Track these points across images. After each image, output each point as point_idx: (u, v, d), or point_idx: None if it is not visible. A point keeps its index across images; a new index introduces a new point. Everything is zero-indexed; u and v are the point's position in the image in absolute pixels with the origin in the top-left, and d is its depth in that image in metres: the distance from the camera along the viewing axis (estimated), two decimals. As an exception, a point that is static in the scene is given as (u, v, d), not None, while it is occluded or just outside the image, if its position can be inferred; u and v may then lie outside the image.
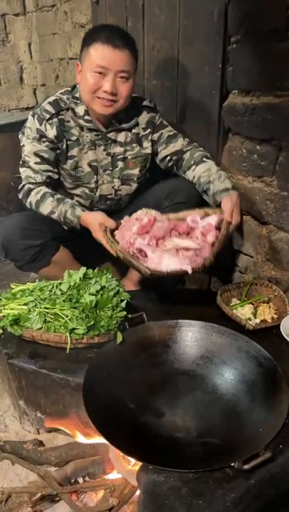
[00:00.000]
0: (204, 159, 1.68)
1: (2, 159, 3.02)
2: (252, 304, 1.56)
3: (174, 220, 1.56)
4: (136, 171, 1.77)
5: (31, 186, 1.67)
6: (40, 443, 1.37)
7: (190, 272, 1.30)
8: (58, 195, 1.66)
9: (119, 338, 1.32)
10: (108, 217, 1.54)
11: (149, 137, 1.75)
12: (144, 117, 1.74)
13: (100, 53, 1.47)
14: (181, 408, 1.15)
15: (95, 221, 1.52)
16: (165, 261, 1.32)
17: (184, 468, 0.95)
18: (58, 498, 1.21)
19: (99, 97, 1.53)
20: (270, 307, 1.53)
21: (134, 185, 1.80)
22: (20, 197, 1.72)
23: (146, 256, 1.38)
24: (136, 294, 1.63)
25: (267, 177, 1.60)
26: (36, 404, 1.39)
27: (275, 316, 1.49)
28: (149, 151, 1.77)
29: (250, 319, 1.47)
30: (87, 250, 1.66)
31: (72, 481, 1.25)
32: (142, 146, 1.75)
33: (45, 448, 1.33)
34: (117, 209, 1.81)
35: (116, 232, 1.50)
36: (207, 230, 1.46)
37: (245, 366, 1.23)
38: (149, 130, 1.75)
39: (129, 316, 1.38)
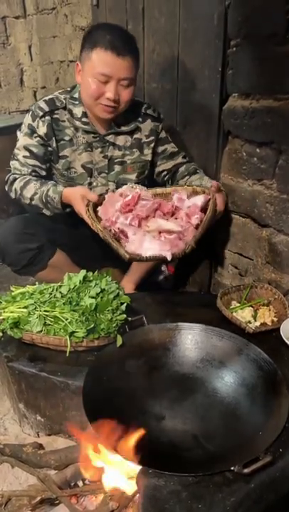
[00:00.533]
0: (197, 171, 1.76)
1: (2, 161, 3.01)
2: (252, 306, 1.56)
3: (159, 198, 1.55)
4: (133, 176, 1.77)
5: (16, 176, 1.68)
6: (40, 446, 1.36)
7: (169, 258, 1.28)
8: (43, 180, 1.66)
9: (119, 341, 1.32)
10: (89, 191, 1.53)
11: (151, 145, 1.76)
12: (147, 125, 1.73)
13: (103, 61, 1.46)
14: (181, 411, 1.15)
15: (77, 194, 1.50)
16: (146, 244, 1.30)
17: (184, 472, 0.95)
18: (57, 502, 1.20)
19: (101, 103, 1.53)
20: (270, 310, 1.53)
21: None
22: (6, 188, 1.73)
23: (127, 237, 1.37)
24: (136, 296, 1.63)
25: (267, 180, 1.60)
26: (36, 408, 1.38)
27: (275, 319, 1.49)
28: (149, 158, 1.77)
29: (250, 322, 1.47)
30: (84, 254, 1.66)
31: (72, 484, 1.24)
32: (142, 153, 1.76)
33: (44, 451, 1.33)
34: None
35: (99, 208, 1.48)
36: (192, 212, 1.44)
37: (245, 369, 1.23)
38: (152, 138, 1.75)
39: (129, 319, 1.38)
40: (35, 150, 1.66)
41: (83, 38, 1.55)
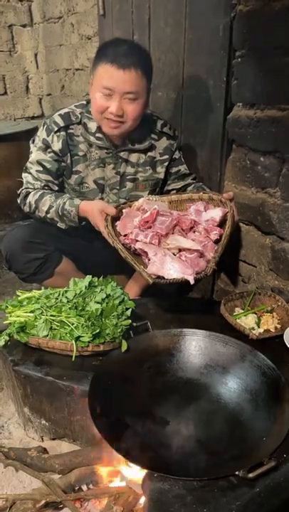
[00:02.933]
0: (204, 187, 1.78)
1: (7, 167, 3.05)
2: (255, 313, 1.57)
3: (174, 205, 1.56)
4: (144, 194, 1.75)
5: (30, 190, 1.67)
6: (45, 450, 1.37)
7: (192, 282, 1.28)
8: (57, 193, 1.64)
9: (124, 346, 1.34)
10: (107, 205, 1.50)
11: (165, 164, 1.74)
12: (162, 143, 1.72)
13: (106, 74, 1.44)
14: (186, 417, 1.16)
15: (94, 208, 1.48)
16: (167, 265, 1.29)
17: (189, 477, 0.96)
18: (61, 506, 1.21)
19: (107, 118, 1.51)
20: (273, 317, 1.54)
21: None
22: (18, 201, 1.72)
23: (148, 255, 1.37)
24: (140, 302, 1.64)
25: (270, 188, 1.62)
26: (41, 412, 1.39)
27: (279, 326, 1.50)
28: (161, 176, 1.76)
29: (253, 329, 1.48)
30: (90, 261, 1.67)
31: (76, 488, 1.25)
32: (155, 171, 1.74)
33: (49, 455, 1.34)
34: None
35: (117, 223, 1.47)
36: (211, 228, 1.44)
37: (249, 375, 1.24)
38: (167, 157, 1.74)
39: (134, 324, 1.39)
40: (48, 166, 1.64)
41: (96, 53, 1.55)
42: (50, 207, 1.58)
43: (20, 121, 3.88)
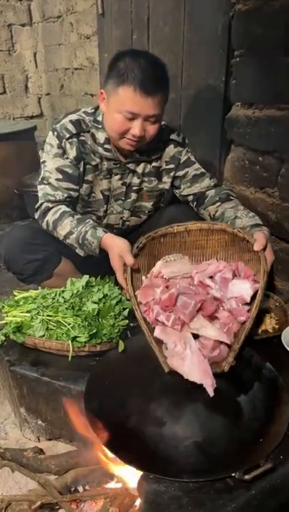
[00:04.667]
0: (230, 197, 1.60)
1: (6, 167, 3.05)
2: (253, 314, 1.56)
3: (193, 233, 1.40)
4: (149, 204, 1.70)
5: (49, 205, 1.55)
6: (41, 451, 1.36)
7: (211, 394, 1.08)
8: (78, 215, 1.53)
9: (121, 346, 1.33)
10: (130, 250, 1.34)
11: (172, 173, 1.65)
12: (169, 151, 1.63)
13: (131, 99, 1.36)
14: (182, 417, 1.15)
15: (116, 248, 1.37)
16: (187, 365, 1.12)
17: (185, 478, 0.95)
18: (57, 507, 1.20)
19: (126, 138, 1.45)
20: (271, 317, 1.54)
21: (144, 217, 1.74)
22: (36, 217, 1.60)
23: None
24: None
25: (269, 188, 1.62)
26: (37, 412, 1.39)
27: (277, 327, 1.49)
28: (167, 186, 1.67)
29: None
30: (89, 262, 1.65)
31: (72, 489, 1.24)
32: (160, 181, 1.66)
33: (45, 456, 1.33)
34: (120, 234, 1.66)
35: (137, 293, 1.31)
36: (237, 311, 1.22)
37: (247, 376, 1.23)
38: (173, 166, 1.64)
39: (131, 324, 1.38)
40: (69, 171, 1.54)
41: (109, 66, 1.43)
42: (71, 233, 1.48)
43: (19, 120, 3.88)
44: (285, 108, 1.47)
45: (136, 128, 1.40)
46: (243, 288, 1.25)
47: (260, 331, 1.48)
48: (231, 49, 1.68)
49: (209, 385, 1.07)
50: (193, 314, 1.21)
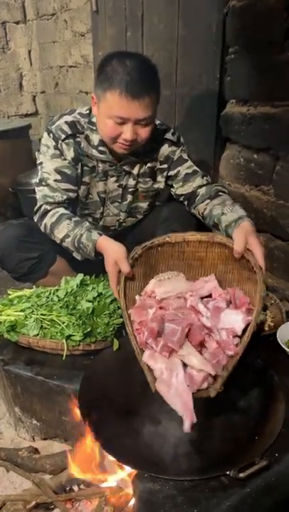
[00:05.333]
0: (219, 193, 1.55)
1: (1, 165, 3.03)
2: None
3: (192, 244, 1.34)
4: (145, 205, 1.69)
5: (48, 207, 1.52)
6: (36, 450, 1.36)
7: (187, 429, 1.05)
8: (76, 218, 1.50)
9: (116, 345, 1.32)
10: (126, 256, 1.29)
11: (165, 173, 1.63)
12: (163, 151, 1.61)
13: (118, 104, 1.33)
14: (177, 416, 1.15)
15: (111, 254, 1.31)
16: (172, 394, 1.10)
17: (180, 477, 0.94)
18: (52, 506, 1.20)
19: (118, 142, 1.42)
20: (266, 315, 1.54)
21: (140, 217, 1.73)
22: (35, 220, 1.58)
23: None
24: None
25: (264, 186, 1.62)
26: (32, 412, 1.38)
27: (272, 324, 1.49)
28: (162, 186, 1.66)
29: (246, 327, 1.47)
30: (84, 261, 1.64)
31: (68, 488, 1.24)
32: (155, 181, 1.65)
33: (40, 455, 1.33)
34: (117, 235, 1.63)
35: (130, 311, 1.26)
36: (226, 344, 1.18)
37: (242, 374, 1.23)
38: (166, 165, 1.62)
39: (126, 323, 1.38)
40: (68, 171, 1.52)
41: (97, 70, 1.40)
42: (67, 236, 1.46)
43: (13, 118, 3.86)
44: (279, 105, 1.46)
45: (127, 133, 1.37)
46: (236, 320, 1.21)
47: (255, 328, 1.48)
48: (226, 46, 1.67)
49: (188, 419, 1.04)
50: (182, 341, 1.17)
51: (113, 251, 1.31)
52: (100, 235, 1.40)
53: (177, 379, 1.11)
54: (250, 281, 1.28)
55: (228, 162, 1.80)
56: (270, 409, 1.11)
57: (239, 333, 1.19)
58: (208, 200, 1.54)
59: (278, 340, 1.35)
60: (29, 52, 3.79)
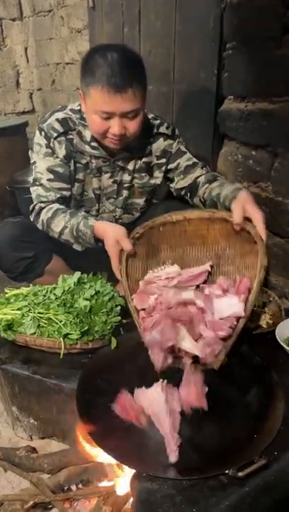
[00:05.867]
0: (217, 178, 1.56)
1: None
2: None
3: (193, 222, 1.35)
4: (141, 201, 1.67)
5: (42, 205, 1.53)
6: (33, 450, 1.35)
7: (172, 458, 0.98)
8: (71, 210, 1.52)
9: (114, 343, 1.32)
10: (127, 235, 1.30)
11: (163, 167, 1.62)
12: (159, 145, 1.59)
13: (101, 98, 1.31)
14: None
15: (111, 233, 1.32)
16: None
17: (178, 476, 0.94)
18: (50, 506, 1.19)
19: (108, 137, 1.41)
20: (265, 313, 1.53)
21: (137, 215, 1.70)
22: (32, 219, 1.58)
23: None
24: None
25: (262, 182, 1.61)
26: (29, 411, 1.37)
27: (270, 322, 1.49)
28: (159, 181, 1.64)
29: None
30: (80, 259, 1.63)
31: (66, 488, 1.23)
32: (151, 176, 1.63)
33: (38, 455, 1.32)
34: None
35: (133, 296, 1.29)
36: (218, 326, 1.17)
37: (240, 372, 1.22)
38: (164, 160, 1.60)
39: (124, 321, 1.37)
40: (60, 170, 1.52)
41: (81, 65, 1.38)
42: (64, 227, 1.46)
43: (10, 116, 3.84)
44: (277, 101, 1.45)
45: (114, 127, 1.36)
46: (230, 304, 1.20)
47: (254, 326, 1.47)
48: (223, 42, 1.66)
49: (172, 451, 0.98)
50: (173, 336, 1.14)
51: (113, 231, 1.32)
52: (97, 220, 1.41)
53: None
54: (252, 253, 1.28)
55: (226, 159, 1.79)
56: (268, 407, 1.10)
57: (231, 317, 1.17)
58: (206, 185, 1.53)
59: (277, 337, 1.35)
60: (25, 49, 3.77)
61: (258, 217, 1.24)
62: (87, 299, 1.35)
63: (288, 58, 1.37)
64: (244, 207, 1.25)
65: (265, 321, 1.50)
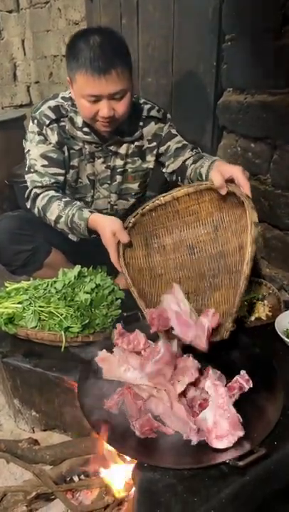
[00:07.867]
0: (202, 157, 1.58)
1: (-4, 156, 3.00)
2: (246, 301, 1.56)
3: (182, 201, 1.37)
4: (135, 186, 1.67)
5: (37, 191, 1.53)
6: (35, 441, 1.36)
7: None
8: (66, 198, 1.51)
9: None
10: (123, 227, 1.32)
11: (154, 151, 1.63)
12: (150, 129, 1.60)
13: (86, 82, 1.33)
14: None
15: (107, 227, 1.33)
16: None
17: (179, 466, 0.95)
18: (53, 497, 1.20)
19: (98, 120, 1.43)
20: (264, 305, 1.54)
21: (132, 200, 1.70)
22: (28, 206, 1.59)
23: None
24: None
25: (261, 175, 1.61)
26: (31, 403, 1.38)
27: (270, 314, 1.50)
28: (151, 165, 1.65)
29: (245, 317, 1.47)
30: (80, 253, 1.64)
31: (68, 479, 1.24)
32: (144, 160, 1.64)
33: (40, 446, 1.33)
34: None
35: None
36: (182, 371, 1.11)
37: (240, 364, 1.23)
38: (155, 143, 1.62)
39: (124, 314, 1.38)
40: (54, 155, 1.53)
41: (66, 52, 1.40)
42: (59, 217, 1.46)
43: (7, 109, 3.81)
44: (277, 93, 1.45)
45: (103, 109, 1.37)
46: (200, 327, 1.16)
47: (253, 318, 1.48)
48: (222, 33, 1.65)
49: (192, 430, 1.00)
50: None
51: (109, 224, 1.33)
52: (92, 212, 1.41)
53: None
54: (243, 216, 1.27)
55: (225, 151, 1.79)
56: (268, 397, 1.11)
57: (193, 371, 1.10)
58: (192, 166, 1.55)
59: (276, 329, 1.36)
60: (23, 41, 3.73)
61: (236, 172, 1.26)
62: (87, 293, 1.36)
63: (288, 49, 1.37)
64: (220, 171, 1.28)
65: (264, 313, 1.50)
